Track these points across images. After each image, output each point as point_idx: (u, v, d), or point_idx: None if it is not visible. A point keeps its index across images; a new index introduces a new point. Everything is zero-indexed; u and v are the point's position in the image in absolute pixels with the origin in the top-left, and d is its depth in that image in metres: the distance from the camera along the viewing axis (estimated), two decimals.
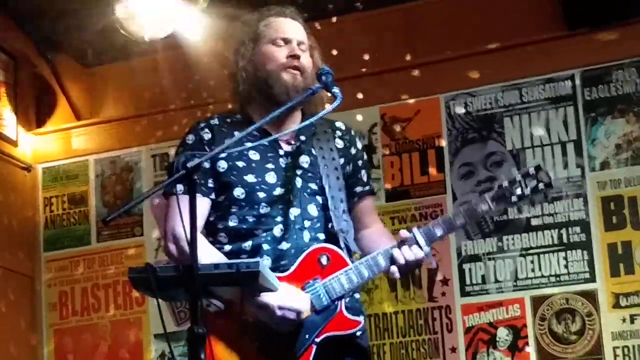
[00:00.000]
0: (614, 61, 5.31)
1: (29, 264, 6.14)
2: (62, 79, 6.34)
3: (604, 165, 5.26)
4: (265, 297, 3.06)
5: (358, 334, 3.26)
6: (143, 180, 6.08)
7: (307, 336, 3.13)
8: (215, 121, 3.37)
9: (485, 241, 5.36)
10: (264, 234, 3.23)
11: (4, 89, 6.09)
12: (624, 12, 5.25)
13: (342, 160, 3.39)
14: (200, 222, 3.27)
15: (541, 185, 3.29)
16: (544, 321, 5.22)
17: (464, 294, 5.37)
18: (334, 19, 5.62)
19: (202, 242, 3.23)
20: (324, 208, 3.29)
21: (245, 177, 3.27)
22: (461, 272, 5.39)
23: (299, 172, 3.31)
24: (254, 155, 3.31)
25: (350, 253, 3.24)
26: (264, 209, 3.25)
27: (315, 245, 3.21)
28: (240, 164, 3.29)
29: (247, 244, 3.23)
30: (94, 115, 6.39)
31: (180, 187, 3.20)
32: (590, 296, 5.16)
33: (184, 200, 3.19)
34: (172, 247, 3.22)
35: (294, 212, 3.25)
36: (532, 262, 5.29)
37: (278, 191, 3.27)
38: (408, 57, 5.70)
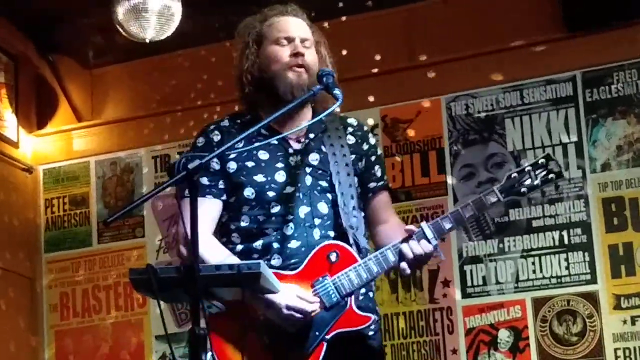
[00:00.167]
0: (614, 62, 5.31)
1: (30, 265, 6.15)
2: (63, 81, 6.35)
3: (605, 167, 5.26)
4: (274, 296, 3.07)
5: (370, 333, 3.26)
6: (144, 181, 6.09)
7: (317, 333, 3.13)
8: (225, 123, 3.37)
9: (486, 242, 5.36)
10: (275, 233, 3.23)
11: (5, 90, 6.09)
12: (624, 13, 5.25)
13: (353, 157, 3.38)
14: (212, 224, 3.30)
15: (551, 175, 3.26)
16: (545, 323, 5.22)
17: (465, 295, 5.37)
18: (335, 21, 5.62)
19: (213, 243, 3.25)
20: (334, 205, 3.28)
21: (254, 177, 3.28)
22: (462, 273, 5.39)
23: (308, 169, 3.31)
24: (264, 155, 3.31)
25: (359, 249, 3.23)
26: (274, 208, 3.25)
27: (325, 243, 3.21)
28: (250, 164, 3.30)
29: (258, 243, 3.24)
30: (95, 116, 6.40)
31: None
32: (592, 298, 5.16)
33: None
34: (183, 250, 3.22)
35: (304, 210, 3.25)
36: (533, 263, 5.28)
37: (288, 190, 3.27)
38: (409, 59, 5.70)
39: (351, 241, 3.22)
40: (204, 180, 3.29)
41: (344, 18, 5.74)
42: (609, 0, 5.29)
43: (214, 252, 3.19)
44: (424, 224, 3.20)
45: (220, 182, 3.30)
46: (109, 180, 6.18)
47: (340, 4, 5.67)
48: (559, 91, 5.39)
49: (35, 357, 6.05)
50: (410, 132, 5.60)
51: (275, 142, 3.31)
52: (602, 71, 5.32)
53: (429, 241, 3.18)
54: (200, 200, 3.23)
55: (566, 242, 5.25)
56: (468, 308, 5.36)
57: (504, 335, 5.27)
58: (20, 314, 6.01)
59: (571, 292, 5.20)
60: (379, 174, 3.45)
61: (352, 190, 3.32)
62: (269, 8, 3.45)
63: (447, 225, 3.21)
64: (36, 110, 6.36)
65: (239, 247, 3.27)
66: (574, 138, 5.32)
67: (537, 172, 3.27)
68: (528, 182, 3.25)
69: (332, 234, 3.26)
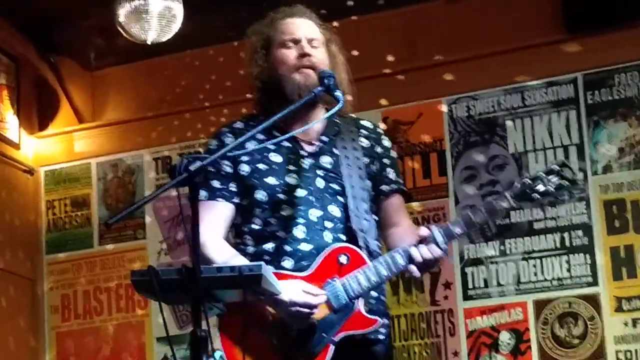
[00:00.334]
0: (616, 65, 5.31)
1: (31, 266, 6.15)
2: (65, 82, 6.35)
3: (607, 169, 5.26)
4: (280, 294, 3.07)
5: (380, 337, 3.26)
6: (145, 183, 6.09)
7: (323, 334, 3.14)
8: (239, 125, 3.37)
9: (487, 245, 5.36)
10: (286, 236, 3.23)
11: (6, 92, 6.10)
12: (625, 15, 5.25)
13: (366, 159, 3.37)
14: (223, 227, 3.31)
15: (565, 183, 3.22)
16: (546, 325, 5.22)
17: (466, 297, 5.37)
18: (336, 23, 5.61)
19: (224, 247, 3.26)
20: (346, 208, 3.27)
21: (266, 180, 3.28)
22: (463, 275, 5.39)
23: (320, 172, 3.31)
24: (276, 158, 3.32)
25: (370, 252, 3.23)
26: (285, 211, 3.25)
27: (335, 245, 3.21)
28: (262, 166, 3.30)
29: (269, 246, 3.24)
30: (96, 118, 6.40)
31: (204, 194, 3.26)
32: (593, 300, 5.16)
33: (207, 206, 3.24)
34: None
35: (315, 213, 3.26)
36: (534, 265, 5.28)
37: (299, 192, 3.27)
38: (410, 60, 5.70)
39: (361, 244, 3.22)
40: (216, 184, 3.30)
41: (345, 20, 5.74)
42: (610, 2, 5.29)
43: (224, 256, 3.20)
44: (434, 228, 3.19)
45: (232, 184, 3.31)
46: (110, 181, 6.18)
47: (341, 6, 5.67)
48: (560, 93, 5.39)
49: (36, 359, 6.05)
50: (412, 134, 5.60)
51: (289, 144, 3.31)
52: (603, 73, 5.32)
53: (438, 246, 3.17)
54: (211, 203, 3.27)
55: (567, 244, 5.24)
56: (469, 310, 5.35)
57: (505, 337, 5.27)
58: (22, 316, 6.01)
59: (572, 294, 5.20)
60: (392, 176, 3.44)
61: (364, 193, 3.32)
62: (275, 11, 3.45)
63: (458, 230, 3.20)
64: (37, 112, 6.36)
65: (251, 250, 3.28)
66: (576, 140, 5.32)
67: (550, 178, 3.23)
68: (541, 188, 3.23)
69: (343, 237, 3.25)
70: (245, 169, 3.31)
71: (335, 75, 3.26)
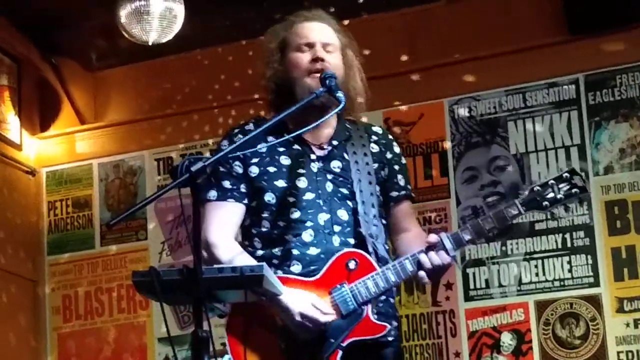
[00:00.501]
0: (617, 65, 5.31)
1: (33, 267, 6.15)
2: (66, 83, 6.36)
3: (608, 170, 5.26)
4: (289, 301, 3.08)
5: (390, 339, 3.26)
6: (147, 184, 6.09)
7: (332, 340, 3.14)
8: (250, 127, 3.36)
9: (489, 246, 5.35)
10: (294, 239, 3.23)
11: (8, 93, 6.10)
12: (627, 16, 5.25)
13: (376, 165, 3.38)
14: (234, 228, 3.31)
15: (575, 190, 3.23)
16: (548, 326, 5.21)
17: (467, 298, 5.37)
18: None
19: (234, 248, 3.26)
20: (355, 213, 3.28)
21: (275, 183, 3.29)
22: (465, 276, 5.39)
23: (330, 176, 3.31)
24: (285, 161, 3.32)
25: (378, 258, 3.23)
26: (293, 214, 3.25)
27: (344, 250, 3.21)
28: (272, 169, 3.31)
29: (278, 250, 3.25)
30: (98, 119, 6.40)
31: (214, 194, 3.27)
32: (594, 301, 5.16)
33: (217, 206, 3.26)
34: (204, 253, 3.22)
35: (324, 217, 3.26)
36: (536, 266, 5.28)
37: (308, 196, 3.27)
38: (412, 61, 5.70)
39: (370, 250, 3.22)
40: (226, 184, 3.31)
41: (346, 22, 5.73)
42: (612, 2, 5.29)
43: (234, 257, 3.20)
44: (443, 235, 3.20)
45: (242, 186, 3.31)
46: (111, 182, 6.18)
47: (342, 7, 5.67)
48: (561, 94, 5.39)
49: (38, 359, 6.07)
50: (413, 135, 5.60)
51: (299, 148, 3.32)
52: (605, 74, 5.32)
53: (447, 252, 3.18)
54: (222, 204, 3.28)
55: (569, 245, 5.24)
56: (471, 311, 5.35)
57: (506, 338, 5.27)
58: (23, 316, 6.01)
59: (574, 295, 5.20)
60: (402, 183, 3.45)
61: (374, 198, 3.32)
62: (294, 15, 3.46)
63: (467, 237, 3.21)
64: (39, 113, 6.36)
65: (260, 252, 3.28)
66: (577, 141, 5.32)
67: (560, 186, 3.23)
68: (551, 196, 3.22)
69: (351, 241, 3.26)
70: (254, 170, 3.31)
71: (336, 77, 3.25)
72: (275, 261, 3.22)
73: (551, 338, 5.20)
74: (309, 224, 3.24)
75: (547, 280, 5.25)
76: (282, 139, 3.20)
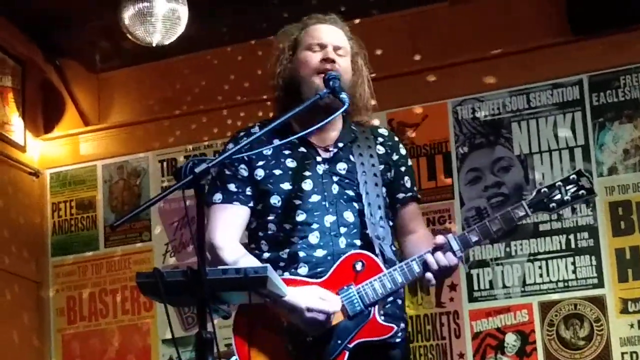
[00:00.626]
0: (621, 66, 5.31)
1: (37, 269, 6.15)
2: (70, 85, 6.36)
3: (612, 171, 5.25)
4: (294, 299, 3.08)
5: (397, 340, 3.26)
6: (151, 185, 6.09)
7: (339, 341, 3.14)
8: (256, 129, 3.35)
9: (493, 247, 5.35)
10: (300, 241, 3.24)
11: (12, 94, 6.11)
12: (630, 16, 5.25)
13: (382, 167, 3.38)
14: (239, 231, 3.32)
15: (582, 192, 3.23)
16: (552, 327, 5.21)
17: (471, 299, 5.37)
18: None
19: (239, 250, 3.27)
20: (361, 214, 3.28)
21: (281, 185, 3.29)
22: (469, 277, 5.39)
23: (335, 178, 3.32)
24: (291, 163, 3.32)
25: (385, 259, 3.23)
26: (299, 216, 3.26)
27: (351, 252, 3.22)
28: (277, 171, 3.31)
29: (284, 252, 3.25)
30: (102, 120, 6.41)
31: (219, 197, 3.29)
32: (599, 302, 5.16)
33: (222, 209, 3.27)
34: (208, 256, 3.22)
35: (329, 219, 3.26)
36: (540, 267, 5.28)
37: (314, 198, 3.28)
38: (415, 63, 5.70)
39: (377, 251, 3.22)
40: (232, 187, 3.31)
41: (349, 22, 5.74)
42: (615, 3, 5.29)
43: (239, 259, 3.21)
44: (450, 236, 3.21)
45: (248, 188, 3.32)
46: (115, 184, 6.18)
47: (345, 9, 5.67)
48: (565, 95, 5.39)
49: None
50: (417, 136, 5.60)
51: (304, 150, 3.33)
52: (608, 75, 5.32)
53: (454, 253, 3.18)
54: (227, 206, 3.29)
55: (573, 246, 5.24)
56: (475, 312, 5.35)
57: (511, 339, 5.27)
58: (27, 318, 6.02)
59: (578, 296, 5.20)
60: (408, 184, 3.45)
61: (380, 200, 3.32)
62: (309, 17, 3.47)
63: (474, 238, 3.21)
64: (43, 115, 6.37)
65: (266, 255, 3.28)
66: (581, 142, 5.32)
67: (567, 187, 3.23)
68: (558, 197, 3.22)
69: (358, 243, 3.26)
70: (260, 173, 3.31)
71: (340, 78, 3.26)
72: (281, 264, 3.23)
73: (555, 339, 5.20)
74: (315, 226, 3.25)
75: (551, 281, 5.25)
76: (286, 140, 3.19)
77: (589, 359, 5.13)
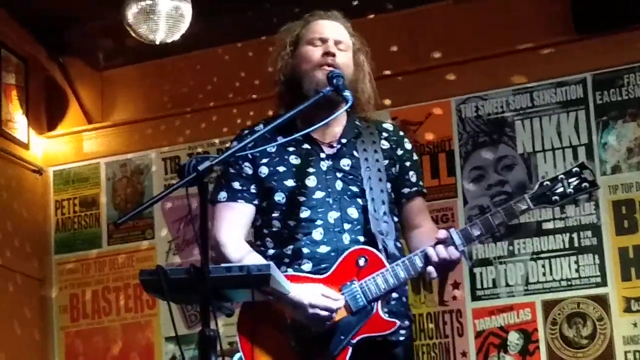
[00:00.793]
0: (625, 65, 5.30)
1: (40, 266, 6.16)
2: (74, 82, 6.37)
3: (615, 169, 5.25)
4: (297, 296, 3.08)
5: (400, 338, 3.26)
6: (154, 183, 6.10)
7: (342, 337, 3.15)
8: (260, 127, 3.34)
9: (496, 245, 5.35)
10: (304, 238, 3.24)
11: (15, 92, 6.11)
12: (634, 15, 5.24)
13: (387, 162, 3.38)
14: (244, 229, 3.33)
15: (585, 184, 3.21)
16: (555, 325, 5.21)
17: (474, 298, 5.37)
18: None
19: (244, 248, 3.28)
20: (365, 210, 3.28)
21: (285, 182, 3.30)
22: (472, 276, 5.38)
23: (339, 174, 3.32)
24: (295, 160, 3.33)
25: (388, 255, 3.23)
26: (303, 213, 3.26)
27: (354, 247, 3.22)
28: (281, 168, 3.32)
29: (288, 248, 3.26)
30: (105, 118, 6.41)
31: (224, 195, 3.30)
32: (602, 300, 5.15)
33: (227, 207, 3.28)
34: (212, 253, 3.22)
35: (333, 215, 3.26)
36: (543, 266, 5.28)
37: (318, 195, 3.28)
38: (419, 61, 5.70)
39: (380, 246, 3.23)
40: (236, 185, 3.32)
41: (352, 21, 5.73)
42: (619, 2, 5.28)
43: (243, 257, 3.21)
44: (452, 230, 3.20)
45: (252, 186, 3.32)
46: (119, 181, 6.19)
47: (347, 8, 5.66)
48: (569, 93, 5.38)
49: (45, 359, 6.06)
50: (420, 135, 5.60)
51: (308, 147, 3.33)
52: (612, 73, 5.31)
53: (456, 247, 3.18)
54: (232, 204, 3.30)
55: (576, 244, 5.24)
56: (478, 310, 5.35)
57: (513, 337, 5.27)
58: (30, 316, 6.02)
59: (581, 294, 5.19)
60: (413, 179, 3.44)
61: (384, 195, 3.32)
62: (311, 13, 3.48)
63: (476, 232, 3.21)
64: (46, 112, 6.37)
65: (271, 252, 3.29)
66: (584, 140, 5.31)
67: (570, 180, 3.21)
68: (560, 190, 3.21)
69: (362, 239, 3.26)
70: (264, 171, 3.32)
71: (344, 76, 3.26)
72: (286, 260, 3.23)
73: (558, 338, 5.19)
74: (319, 222, 3.25)
75: (554, 280, 5.25)
76: (290, 137, 3.19)
77: (591, 358, 5.13)
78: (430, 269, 3.18)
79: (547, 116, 5.40)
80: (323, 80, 3.26)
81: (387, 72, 5.66)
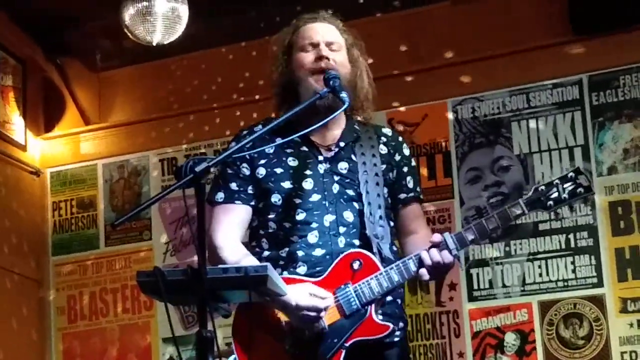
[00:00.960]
0: (621, 66, 5.31)
1: (37, 268, 6.16)
2: (71, 84, 6.36)
3: (612, 170, 5.26)
4: (287, 298, 3.08)
5: (395, 339, 3.27)
6: (151, 184, 6.10)
7: (335, 340, 3.15)
8: (259, 128, 3.35)
9: (492, 246, 5.36)
10: (300, 240, 3.25)
11: (12, 93, 6.11)
12: (631, 16, 5.25)
13: (384, 167, 3.39)
14: (240, 230, 3.34)
15: (580, 190, 3.22)
16: (551, 326, 5.22)
17: (471, 298, 5.37)
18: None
19: (239, 249, 3.28)
20: (361, 214, 3.29)
21: (282, 184, 3.30)
22: (469, 276, 5.39)
23: (336, 178, 3.33)
24: (292, 162, 3.34)
25: (383, 258, 3.23)
26: (299, 215, 3.27)
27: (349, 251, 3.23)
28: (279, 170, 3.32)
29: (284, 251, 3.26)
30: (103, 119, 6.41)
31: (221, 196, 3.31)
32: (598, 301, 5.16)
33: (224, 208, 3.30)
34: (208, 254, 3.23)
35: (329, 218, 3.27)
36: (539, 267, 5.28)
37: (314, 197, 3.29)
38: (415, 62, 5.70)
39: (374, 250, 3.23)
40: (233, 186, 3.33)
41: (349, 22, 5.74)
42: (616, 3, 5.29)
43: (240, 259, 3.22)
44: (446, 235, 3.21)
45: (250, 187, 3.33)
46: (116, 183, 6.19)
47: (345, 8, 5.67)
48: (565, 94, 5.39)
49: None
50: (417, 136, 5.60)
51: (306, 149, 3.34)
52: (608, 74, 5.32)
53: (450, 251, 3.19)
54: (229, 206, 3.30)
55: (572, 245, 5.24)
56: (474, 311, 5.36)
57: (510, 338, 5.27)
58: (28, 317, 6.02)
59: (578, 295, 5.20)
60: (410, 185, 3.46)
61: (380, 200, 3.33)
62: (299, 18, 3.48)
63: (470, 237, 3.22)
64: (44, 113, 6.37)
65: (266, 254, 3.30)
66: (581, 141, 5.32)
67: (565, 185, 3.22)
68: (555, 195, 3.22)
69: (357, 242, 3.27)
70: (261, 172, 3.33)
71: (340, 77, 3.27)
72: (281, 262, 3.24)
73: (555, 338, 5.20)
74: (314, 225, 3.25)
75: (550, 281, 5.25)
76: (288, 139, 3.19)
77: (588, 359, 5.14)
78: (423, 271, 3.19)
79: (543, 117, 5.41)
80: (319, 86, 3.26)
81: (384, 73, 5.67)
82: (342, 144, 3.38)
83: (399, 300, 3.34)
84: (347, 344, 3.15)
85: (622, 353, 5.08)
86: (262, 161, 3.33)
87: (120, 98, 6.43)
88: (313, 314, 3.12)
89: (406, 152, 3.51)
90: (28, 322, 6.01)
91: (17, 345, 5.88)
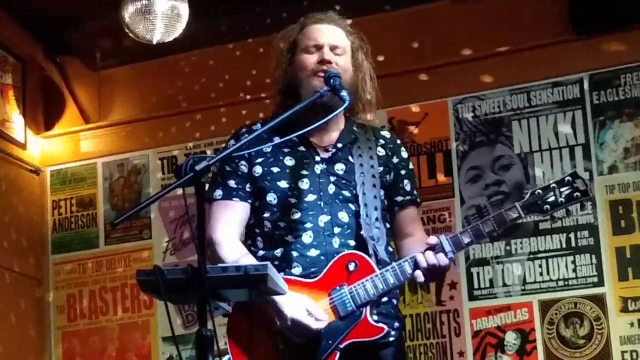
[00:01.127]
0: (622, 65, 5.31)
1: (37, 266, 6.15)
2: (71, 82, 6.36)
3: (612, 169, 5.25)
4: (283, 306, 3.09)
5: (391, 339, 3.26)
6: (151, 183, 6.09)
7: (329, 342, 3.14)
8: (257, 127, 3.35)
9: (493, 245, 5.35)
10: (294, 241, 3.24)
11: (12, 92, 6.11)
12: (632, 16, 5.25)
13: (381, 169, 3.38)
14: (238, 227, 3.33)
15: (577, 194, 3.22)
16: (552, 325, 5.21)
17: (472, 297, 5.37)
18: None
19: (237, 247, 3.28)
20: (357, 215, 3.28)
21: (278, 183, 3.30)
22: (469, 276, 5.39)
23: (332, 178, 3.32)
24: (290, 162, 3.33)
25: (378, 260, 3.22)
26: (294, 215, 3.26)
27: (344, 252, 3.22)
28: (275, 169, 3.32)
29: (278, 251, 3.26)
30: (103, 118, 6.40)
31: (219, 193, 3.30)
32: (599, 300, 5.16)
33: (222, 205, 3.29)
34: (207, 252, 3.23)
35: (324, 218, 3.26)
36: (540, 266, 5.28)
37: (310, 198, 3.28)
38: (416, 61, 5.70)
39: (370, 252, 3.22)
40: (231, 183, 3.33)
41: (350, 21, 5.73)
42: (616, 2, 5.29)
43: (239, 258, 3.21)
44: (442, 237, 3.21)
45: (247, 185, 3.33)
46: (116, 181, 6.19)
47: (346, 7, 5.67)
48: (566, 93, 5.38)
49: (42, 359, 6.06)
50: (418, 135, 5.60)
51: (303, 149, 3.33)
52: (609, 73, 5.32)
53: (445, 254, 3.18)
54: (227, 203, 3.30)
55: (573, 244, 5.24)
56: (475, 310, 5.35)
57: (511, 337, 5.27)
58: (27, 316, 6.02)
59: (578, 294, 5.20)
60: (407, 188, 3.45)
61: (377, 201, 3.32)
62: (306, 17, 3.46)
63: (466, 240, 3.21)
64: (43, 112, 6.37)
65: (261, 253, 3.29)
66: (581, 140, 5.32)
67: (562, 189, 3.22)
68: (552, 199, 3.21)
69: (352, 243, 3.26)
70: (258, 170, 3.32)
71: (341, 76, 3.26)
72: (276, 262, 3.22)
73: (555, 337, 5.20)
74: (308, 225, 3.25)
75: (551, 280, 5.25)
76: (286, 138, 3.18)
77: (588, 358, 5.13)
78: (418, 273, 3.18)
79: (544, 116, 5.40)
80: (320, 87, 3.24)
81: (385, 72, 5.65)
82: (339, 145, 3.38)
83: (394, 300, 3.33)
84: (341, 346, 3.15)
85: (622, 352, 5.08)
86: (259, 159, 3.33)
87: (120, 97, 6.42)
88: (304, 331, 3.11)
89: (404, 155, 3.50)
90: (27, 321, 6.01)
91: (16, 344, 5.88)
